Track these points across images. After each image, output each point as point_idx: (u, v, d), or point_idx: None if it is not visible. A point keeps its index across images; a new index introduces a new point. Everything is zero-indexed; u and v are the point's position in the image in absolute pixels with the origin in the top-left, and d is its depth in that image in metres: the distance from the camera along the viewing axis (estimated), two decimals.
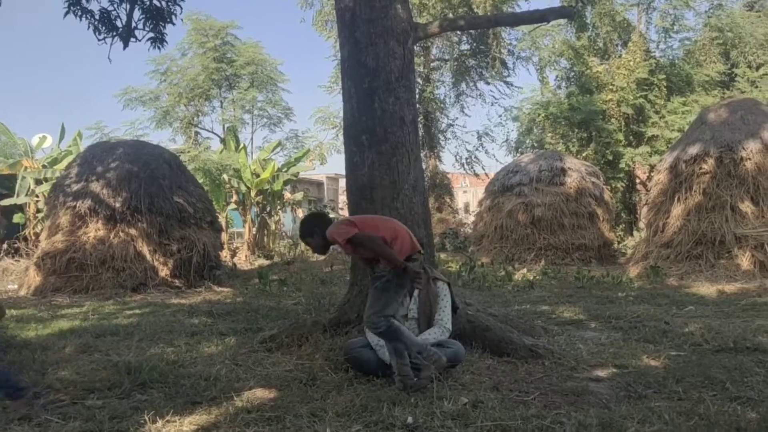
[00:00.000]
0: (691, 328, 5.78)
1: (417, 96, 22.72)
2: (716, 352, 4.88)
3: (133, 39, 6.91)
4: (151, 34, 6.93)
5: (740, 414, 3.28)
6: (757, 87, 19.26)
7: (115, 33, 6.76)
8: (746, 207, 10.69)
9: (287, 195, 19.57)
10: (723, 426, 3.05)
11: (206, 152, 18.51)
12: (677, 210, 11.44)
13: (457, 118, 28.55)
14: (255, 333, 5.85)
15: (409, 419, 3.20)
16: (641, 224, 17.42)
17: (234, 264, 13.77)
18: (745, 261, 10.33)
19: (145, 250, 10.23)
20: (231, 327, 6.35)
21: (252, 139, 33.07)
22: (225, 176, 17.37)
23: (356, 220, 4.14)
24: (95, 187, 10.49)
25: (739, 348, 4.95)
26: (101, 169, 10.80)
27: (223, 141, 20.47)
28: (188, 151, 18.26)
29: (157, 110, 22.09)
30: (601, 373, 4.35)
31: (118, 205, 10.28)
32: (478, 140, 24.71)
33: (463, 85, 24.22)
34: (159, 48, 7.22)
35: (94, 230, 10.22)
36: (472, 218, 21.30)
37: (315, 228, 4.13)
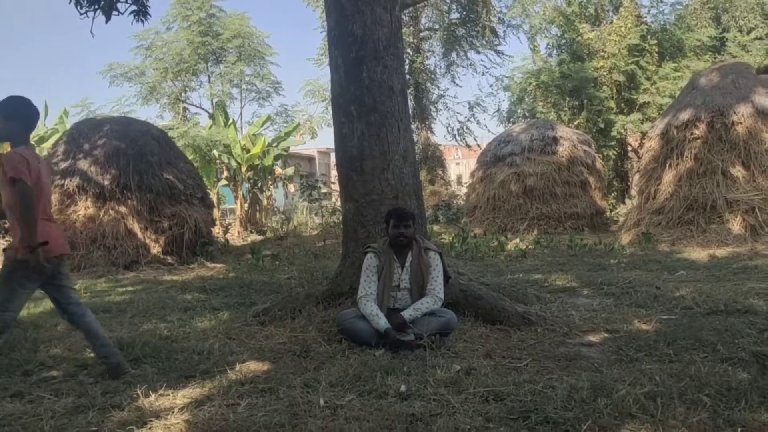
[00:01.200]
0: (683, 292, 5.82)
1: (407, 67, 22.60)
2: (707, 315, 4.92)
3: (115, 12, 6.77)
4: (134, 7, 6.80)
5: (731, 374, 3.30)
6: (748, 51, 19.15)
7: (96, 6, 6.63)
8: (737, 171, 10.70)
9: (278, 170, 19.46)
10: (714, 386, 3.07)
11: (195, 128, 18.29)
12: (669, 176, 11.45)
13: (447, 88, 28.43)
14: (248, 307, 5.85)
15: (402, 387, 3.21)
16: (633, 191, 17.45)
17: (226, 240, 13.73)
18: (736, 225, 10.37)
19: (135, 227, 10.16)
20: (224, 302, 6.35)
21: (241, 114, 32.64)
22: (215, 152, 17.23)
23: (29, 160, 3.50)
24: (83, 164, 10.38)
25: (729, 310, 4.99)
26: (88, 146, 10.68)
27: (211, 116, 20.25)
28: (177, 127, 18.06)
29: (143, 86, 21.76)
30: (593, 338, 4.38)
31: (106, 182, 10.19)
32: (470, 111, 24.58)
33: (454, 54, 24.01)
34: (142, 21, 7.08)
35: (84, 208, 10.14)
36: (464, 190, 21.29)
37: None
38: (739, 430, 2.55)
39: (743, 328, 4.38)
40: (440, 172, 24.78)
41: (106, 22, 6.70)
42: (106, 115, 15.77)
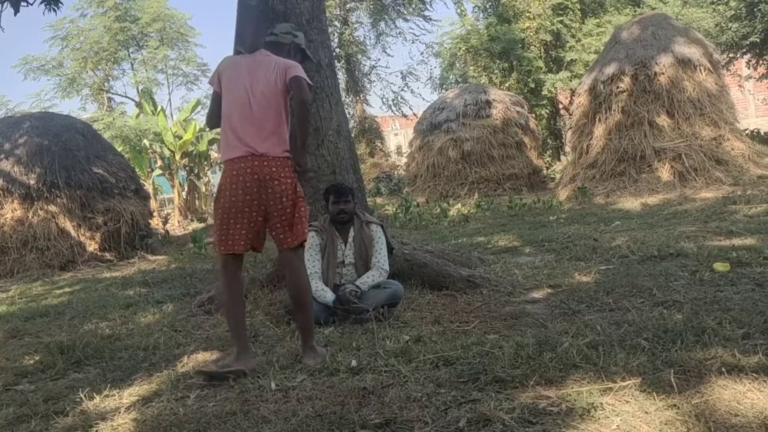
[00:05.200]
0: (618, 242, 6.02)
1: (336, 40, 22.34)
2: (642, 262, 5.11)
3: (24, 2, 6.39)
4: None
5: (666, 317, 3.44)
6: (665, 3, 19.70)
7: None
8: (663, 121, 11.09)
9: (214, 155, 19.04)
10: (651, 330, 3.19)
11: (122, 118, 17.67)
12: (599, 130, 11.77)
13: (379, 59, 28.28)
14: (192, 297, 5.72)
15: (353, 362, 3.21)
16: (567, 148, 17.86)
17: (166, 231, 13.42)
18: (665, 173, 10.78)
19: (68, 226, 9.79)
20: (168, 294, 6.20)
21: (170, 100, 31.75)
22: (145, 141, 16.70)
23: None
24: (5, 165, 9.90)
25: (663, 255, 5.19)
26: (9, 146, 10.19)
27: (138, 105, 19.58)
28: (102, 119, 17.40)
29: (62, 78, 20.81)
30: (537, 294, 4.48)
31: (32, 182, 9.76)
32: (403, 80, 24.65)
33: (382, 24, 23.83)
34: (54, 10, 6.70)
35: (11, 210, 9.70)
36: (404, 160, 21.35)
37: None
38: (677, 369, 2.65)
39: (676, 271, 4.57)
40: (379, 144, 24.75)
41: (15, 14, 6.31)
42: (25, 112, 15.05)
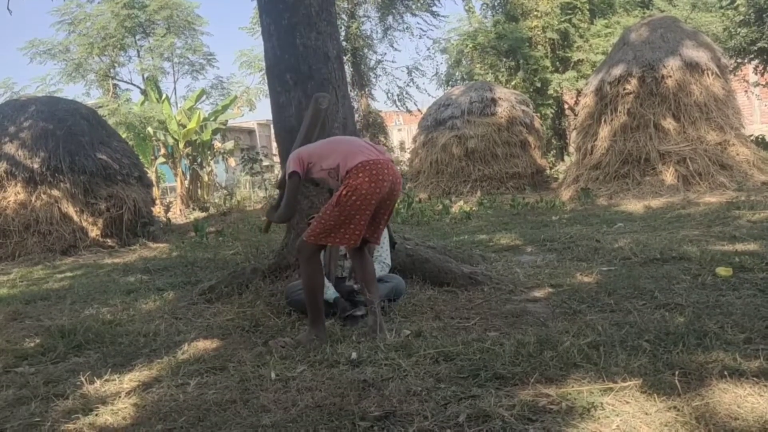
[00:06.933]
0: (621, 244, 6.01)
1: (343, 33, 22.26)
2: (644, 264, 5.10)
3: None
4: None
5: (668, 319, 3.44)
6: (675, 5, 19.64)
7: None
8: (668, 124, 11.06)
9: (217, 144, 19.03)
10: (652, 332, 3.20)
11: (127, 105, 17.64)
12: (604, 132, 11.74)
13: (386, 53, 28.27)
14: (194, 286, 5.74)
15: (353, 355, 3.21)
16: (571, 149, 17.83)
17: (168, 219, 13.40)
18: (669, 176, 10.75)
19: (71, 211, 9.80)
20: (169, 282, 6.21)
21: (175, 88, 31.60)
22: (150, 129, 16.67)
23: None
24: (9, 148, 9.90)
25: (665, 258, 5.18)
26: (14, 129, 10.18)
27: (143, 92, 19.55)
28: (107, 105, 17.37)
29: (68, 63, 20.75)
30: (538, 293, 4.48)
31: (36, 166, 9.76)
32: (409, 75, 24.45)
33: (390, 18, 23.74)
34: None
35: (14, 194, 9.70)
36: (407, 155, 21.31)
37: None
38: (678, 371, 2.65)
39: (678, 274, 4.57)
40: (383, 139, 24.68)
41: None
42: (31, 96, 15.04)
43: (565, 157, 19.83)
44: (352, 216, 3.50)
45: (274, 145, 24.19)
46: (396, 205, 3.74)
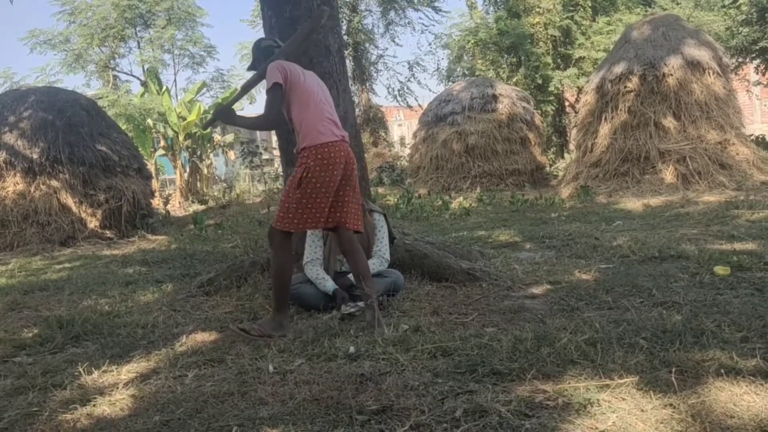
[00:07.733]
0: (620, 242, 6.02)
1: (344, 27, 22.22)
2: (643, 262, 5.11)
3: None
4: None
5: (665, 317, 3.45)
6: (678, 4, 19.61)
7: None
8: (669, 122, 11.06)
9: (217, 137, 19.00)
10: (650, 329, 3.20)
11: (127, 96, 17.61)
12: (604, 129, 11.74)
13: (387, 48, 28.18)
14: (192, 278, 5.73)
15: (351, 349, 3.22)
16: (571, 146, 17.82)
17: (167, 211, 13.39)
18: (668, 175, 10.77)
19: (70, 201, 9.79)
20: (167, 274, 6.21)
21: (175, 80, 31.74)
22: (149, 121, 16.65)
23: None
24: (9, 138, 9.88)
25: (663, 256, 5.19)
26: (13, 119, 10.16)
27: (143, 83, 19.51)
28: (106, 96, 17.34)
29: (68, 53, 20.72)
30: (536, 290, 4.49)
31: (35, 156, 9.74)
32: (410, 70, 24.52)
33: (392, 13, 23.70)
34: None
35: (13, 184, 9.69)
36: (407, 151, 21.30)
37: None
38: (674, 369, 2.66)
39: (676, 272, 4.57)
40: (383, 134, 24.69)
41: None
42: (30, 86, 15.00)
43: (565, 155, 19.84)
44: (312, 198, 3.59)
45: (274, 138, 24.19)
46: (356, 182, 3.88)
